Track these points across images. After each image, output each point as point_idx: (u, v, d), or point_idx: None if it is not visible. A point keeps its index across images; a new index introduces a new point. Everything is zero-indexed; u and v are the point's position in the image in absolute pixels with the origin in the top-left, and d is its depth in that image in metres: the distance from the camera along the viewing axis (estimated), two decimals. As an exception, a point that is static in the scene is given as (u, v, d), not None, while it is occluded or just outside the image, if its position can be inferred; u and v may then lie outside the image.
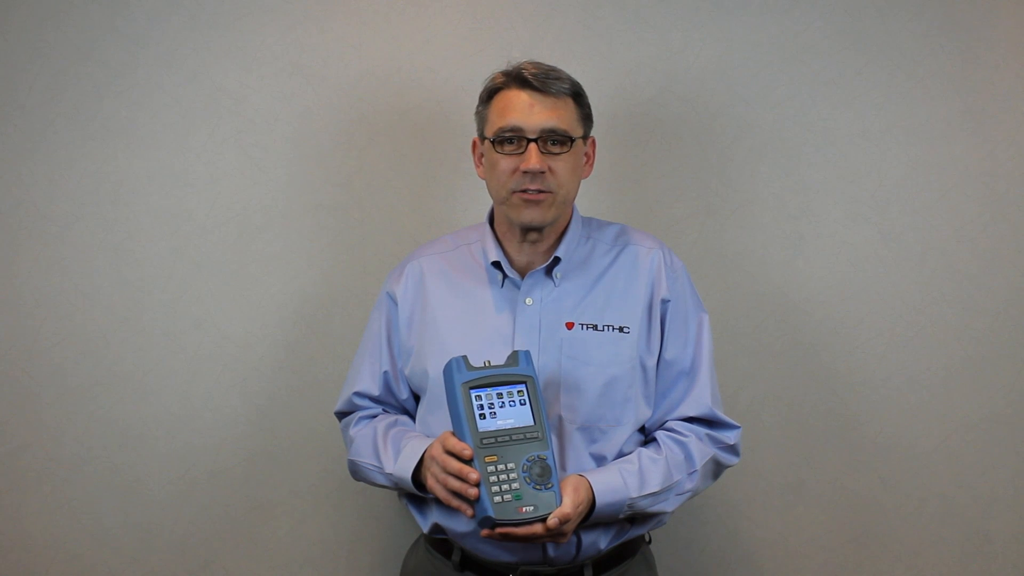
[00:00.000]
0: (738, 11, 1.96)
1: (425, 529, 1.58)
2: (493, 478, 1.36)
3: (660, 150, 1.97)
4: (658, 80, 1.96)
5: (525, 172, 1.49)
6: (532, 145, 1.49)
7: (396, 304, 1.63)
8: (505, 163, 1.51)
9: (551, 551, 1.50)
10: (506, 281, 1.58)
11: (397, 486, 1.55)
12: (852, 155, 1.97)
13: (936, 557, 1.99)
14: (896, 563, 1.99)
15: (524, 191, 1.51)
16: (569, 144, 1.51)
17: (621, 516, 1.48)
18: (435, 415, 1.54)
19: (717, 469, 1.59)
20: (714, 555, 1.99)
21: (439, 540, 1.59)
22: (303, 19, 1.92)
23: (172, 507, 1.92)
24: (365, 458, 1.58)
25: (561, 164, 1.51)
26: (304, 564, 1.94)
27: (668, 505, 1.51)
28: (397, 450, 1.53)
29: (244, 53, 1.91)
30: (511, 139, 1.50)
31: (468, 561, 1.56)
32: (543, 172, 1.49)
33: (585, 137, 1.57)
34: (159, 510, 1.91)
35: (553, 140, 1.50)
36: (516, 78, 1.52)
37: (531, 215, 1.52)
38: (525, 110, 1.50)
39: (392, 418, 1.62)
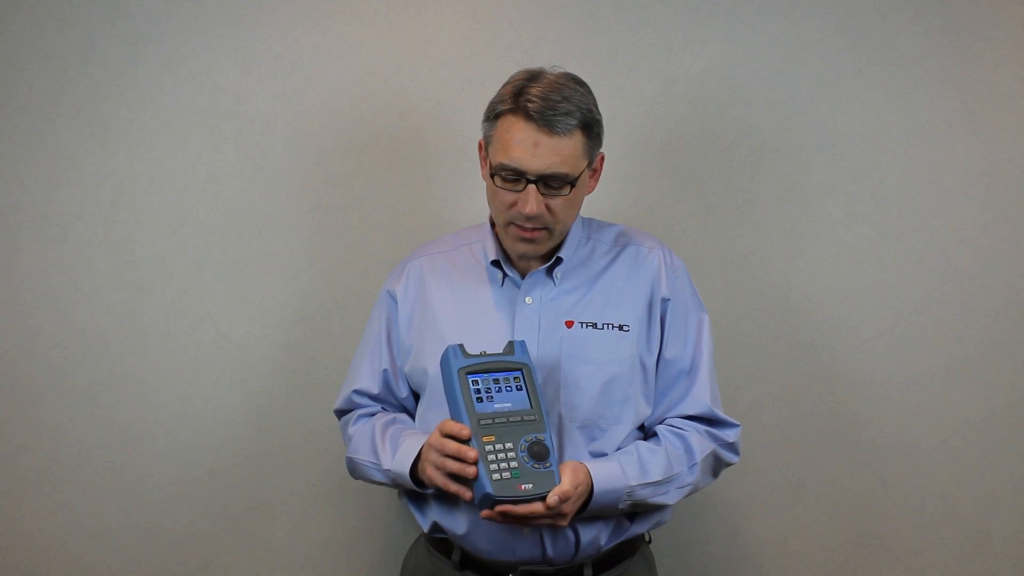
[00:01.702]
0: (738, 11, 1.96)
1: (425, 528, 1.58)
2: (491, 456, 1.37)
3: (660, 150, 1.97)
4: (658, 80, 1.96)
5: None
6: (531, 187, 1.46)
7: (396, 302, 1.63)
8: (504, 196, 1.49)
9: (550, 550, 1.50)
10: (506, 280, 1.58)
11: (395, 482, 1.55)
12: (852, 155, 1.97)
13: (936, 557, 1.99)
14: (896, 563, 1.99)
15: (520, 226, 1.50)
16: (570, 187, 1.48)
17: (621, 507, 1.47)
18: (434, 413, 1.54)
19: (717, 465, 1.59)
20: (714, 555, 1.99)
21: (439, 540, 1.59)
22: (303, 19, 1.92)
23: (172, 507, 1.92)
24: (363, 455, 1.58)
25: (560, 202, 1.48)
26: (304, 564, 1.94)
27: (669, 498, 1.51)
28: (395, 446, 1.53)
29: (244, 53, 1.91)
30: (512, 177, 1.47)
31: (468, 561, 1.56)
32: (540, 214, 1.48)
33: (591, 162, 1.52)
34: (159, 510, 1.91)
35: (553, 183, 1.47)
36: (523, 108, 1.45)
37: (525, 248, 1.53)
38: (528, 150, 1.44)
39: (391, 416, 1.63)
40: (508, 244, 1.55)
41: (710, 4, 1.96)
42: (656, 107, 1.96)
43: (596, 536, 1.51)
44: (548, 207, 1.48)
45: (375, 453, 1.55)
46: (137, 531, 1.91)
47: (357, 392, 1.65)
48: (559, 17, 1.95)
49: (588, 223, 1.65)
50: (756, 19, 1.97)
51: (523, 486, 1.36)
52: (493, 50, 1.93)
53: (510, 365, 1.43)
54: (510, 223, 1.51)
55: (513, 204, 1.49)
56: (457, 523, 1.52)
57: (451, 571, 1.57)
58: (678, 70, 1.96)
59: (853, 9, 1.97)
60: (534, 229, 1.50)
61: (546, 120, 1.43)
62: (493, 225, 1.61)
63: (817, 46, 1.97)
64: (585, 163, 1.50)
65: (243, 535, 1.93)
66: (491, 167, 1.50)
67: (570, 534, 1.50)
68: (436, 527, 1.56)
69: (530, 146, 1.44)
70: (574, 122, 1.45)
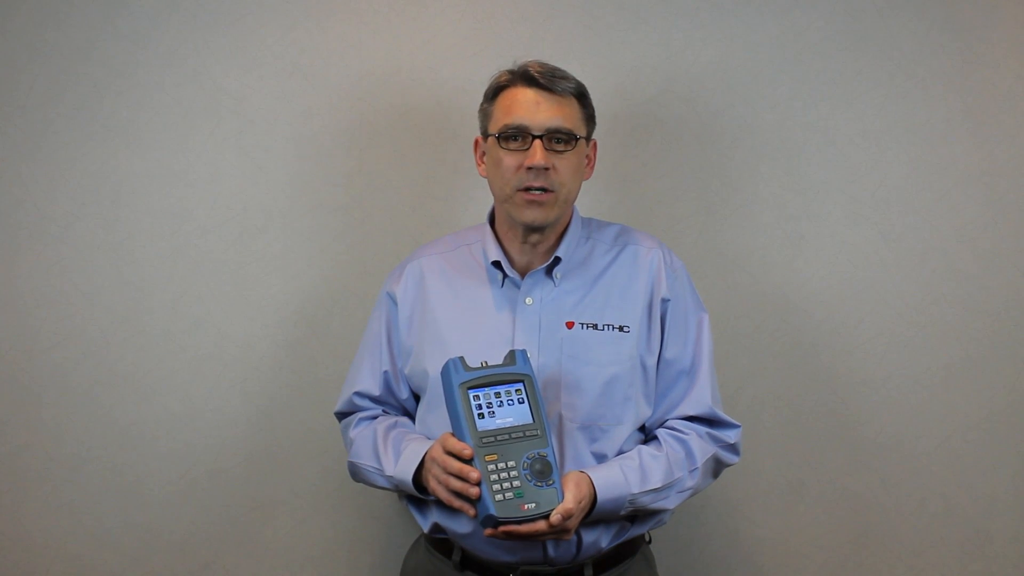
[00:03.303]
0: (738, 11, 1.96)
1: (425, 529, 1.58)
2: (494, 476, 1.36)
3: (660, 150, 1.97)
4: (658, 80, 1.96)
5: (529, 169, 1.50)
6: (537, 142, 1.50)
7: (396, 304, 1.63)
8: (509, 159, 1.51)
9: (551, 551, 1.50)
10: (506, 281, 1.58)
11: (398, 488, 1.55)
12: (852, 155, 1.97)
13: (936, 557, 1.99)
14: (896, 563, 1.99)
15: (527, 190, 1.51)
16: (573, 143, 1.52)
17: (622, 513, 1.48)
18: (435, 415, 1.54)
19: (718, 467, 1.59)
20: (714, 555, 1.99)
21: (439, 540, 1.59)
22: (303, 19, 1.92)
23: (172, 507, 1.92)
24: (365, 460, 1.58)
25: (564, 162, 1.52)
26: (304, 564, 1.94)
27: (669, 503, 1.51)
28: (398, 452, 1.53)
29: (244, 53, 1.91)
30: (516, 136, 1.51)
31: (468, 561, 1.56)
32: (547, 169, 1.50)
33: (588, 138, 1.57)
34: (159, 510, 1.91)
35: (557, 138, 1.51)
36: (522, 76, 1.53)
37: (533, 215, 1.53)
38: (531, 107, 1.50)
39: (392, 419, 1.63)
40: (516, 213, 1.54)
41: (710, 4, 1.96)
42: (656, 107, 1.96)
43: (597, 537, 1.51)
44: (553, 166, 1.51)
45: (377, 458, 1.55)
46: (137, 531, 1.91)
47: (358, 394, 1.65)
48: (559, 17, 1.95)
49: (588, 222, 1.66)
50: (756, 19, 1.97)
51: (526, 506, 1.36)
52: (493, 50, 1.93)
53: (511, 377, 1.42)
54: (517, 189, 1.52)
55: (519, 166, 1.50)
56: (458, 523, 1.52)
57: (451, 571, 1.57)
58: (678, 70, 1.96)
59: (853, 9, 1.97)
60: (541, 191, 1.51)
61: (547, 80, 1.51)
62: (493, 225, 1.62)
63: (817, 46, 1.97)
64: (584, 131, 1.55)
65: (243, 535, 1.93)
66: (496, 134, 1.52)
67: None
68: (436, 527, 1.56)
69: (532, 104, 1.51)
70: (571, 87, 1.54)
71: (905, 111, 1.97)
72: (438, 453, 1.42)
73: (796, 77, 1.97)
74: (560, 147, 1.51)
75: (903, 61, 1.97)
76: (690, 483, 1.53)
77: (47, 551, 1.90)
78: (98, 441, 1.90)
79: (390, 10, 1.93)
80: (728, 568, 1.99)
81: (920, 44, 1.97)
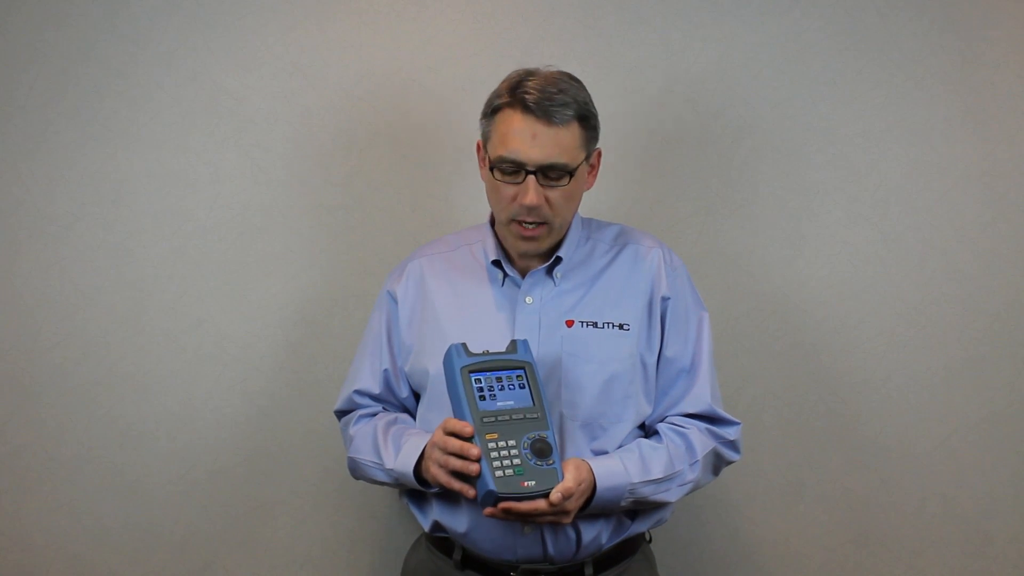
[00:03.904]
0: (738, 11, 1.96)
1: (426, 527, 1.58)
2: (494, 454, 1.37)
3: (660, 150, 1.97)
4: (658, 80, 1.96)
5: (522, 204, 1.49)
6: (531, 178, 1.47)
7: (396, 303, 1.63)
8: (504, 190, 1.50)
9: (551, 548, 1.50)
10: (506, 280, 1.58)
11: (398, 482, 1.55)
12: (852, 155, 1.97)
13: (936, 557, 1.99)
14: (896, 563, 1.99)
15: (521, 223, 1.50)
16: (569, 177, 1.49)
17: (623, 504, 1.47)
18: (435, 413, 1.54)
19: (718, 463, 1.59)
20: (714, 555, 1.99)
21: (440, 539, 1.60)
22: (303, 19, 1.92)
23: (172, 507, 1.92)
24: (365, 455, 1.58)
25: (559, 194, 1.49)
26: (304, 564, 1.94)
27: (671, 495, 1.51)
28: (398, 446, 1.53)
29: (244, 53, 1.91)
30: (510, 169, 1.48)
31: (469, 560, 1.56)
32: (540, 205, 1.49)
33: (589, 156, 1.54)
34: (159, 510, 1.91)
35: (552, 174, 1.48)
36: (520, 101, 1.46)
37: (526, 247, 1.54)
38: (526, 141, 1.46)
39: (392, 416, 1.63)
40: (509, 243, 1.56)
41: (710, 4, 1.96)
42: (656, 107, 1.96)
43: (597, 535, 1.51)
44: (547, 199, 1.49)
45: (377, 453, 1.55)
46: (137, 531, 1.91)
47: (358, 392, 1.65)
48: (559, 17, 1.95)
49: (587, 223, 1.66)
50: (756, 19, 1.97)
51: (526, 483, 1.36)
52: (493, 50, 1.93)
53: (513, 363, 1.44)
54: (511, 220, 1.51)
55: (514, 198, 1.49)
56: (458, 522, 1.52)
57: (452, 570, 1.57)
58: (678, 70, 1.96)
59: (853, 9, 1.97)
60: (534, 226, 1.50)
61: (544, 111, 1.45)
62: (493, 225, 1.62)
63: (817, 46, 1.97)
64: (583, 155, 1.51)
65: (243, 535, 1.93)
66: (490, 162, 1.50)
67: (571, 532, 1.50)
68: (437, 526, 1.56)
69: (528, 137, 1.45)
70: (571, 113, 1.47)
71: (905, 111, 1.97)
72: (439, 437, 1.42)
73: (796, 77, 1.97)
74: (555, 181, 1.48)
75: (903, 61, 1.97)
76: (691, 476, 1.53)
77: (47, 551, 1.90)
78: (98, 441, 1.90)
79: (390, 10, 1.93)
80: (728, 568, 1.99)
81: (920, 44, 1.97)
